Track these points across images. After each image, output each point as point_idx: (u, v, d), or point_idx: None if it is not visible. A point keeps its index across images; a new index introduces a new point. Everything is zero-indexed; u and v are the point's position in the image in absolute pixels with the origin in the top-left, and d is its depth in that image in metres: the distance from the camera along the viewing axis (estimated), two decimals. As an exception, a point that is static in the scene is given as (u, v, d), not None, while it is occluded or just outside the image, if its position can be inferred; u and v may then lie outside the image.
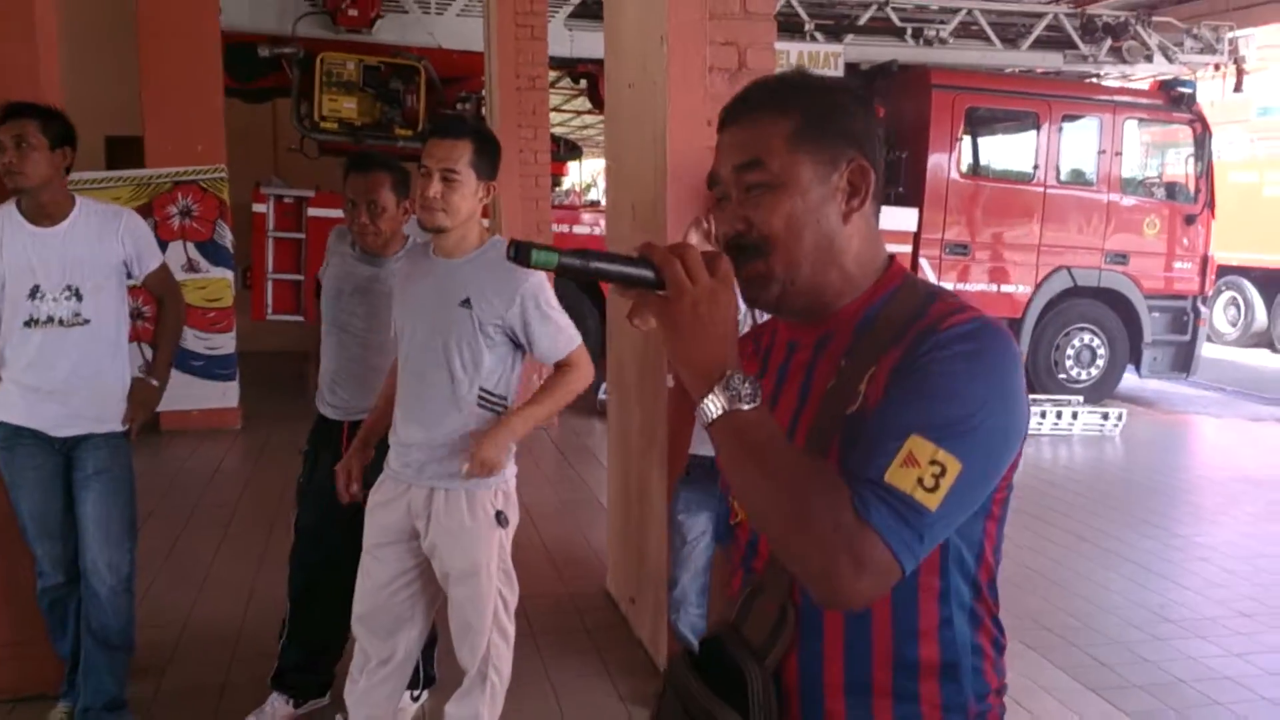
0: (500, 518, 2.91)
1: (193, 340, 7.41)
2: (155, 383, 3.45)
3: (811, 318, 1.33)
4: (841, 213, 1.28)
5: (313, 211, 9.37)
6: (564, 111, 15.99)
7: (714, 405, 1.15)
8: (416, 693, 3.51)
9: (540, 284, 2.88)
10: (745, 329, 1.38)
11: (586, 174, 28.03)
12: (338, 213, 9.15)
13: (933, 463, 1.12)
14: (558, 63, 9.98)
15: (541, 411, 2.99)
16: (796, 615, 1.27)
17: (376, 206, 3.30)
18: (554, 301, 2.93)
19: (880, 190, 1.32)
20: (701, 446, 3.47)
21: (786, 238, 1.26)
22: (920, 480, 1.11)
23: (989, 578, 1.29)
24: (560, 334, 2.93)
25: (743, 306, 1.29)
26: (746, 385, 1.15)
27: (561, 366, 2.98)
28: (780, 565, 1.27)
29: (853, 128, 1.29)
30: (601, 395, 8.35)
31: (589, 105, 13.30)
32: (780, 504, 1.13)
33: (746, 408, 1.15)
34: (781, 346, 1.37)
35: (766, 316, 1.44)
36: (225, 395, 7.75)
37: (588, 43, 10.09)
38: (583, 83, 11.52)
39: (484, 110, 9.92)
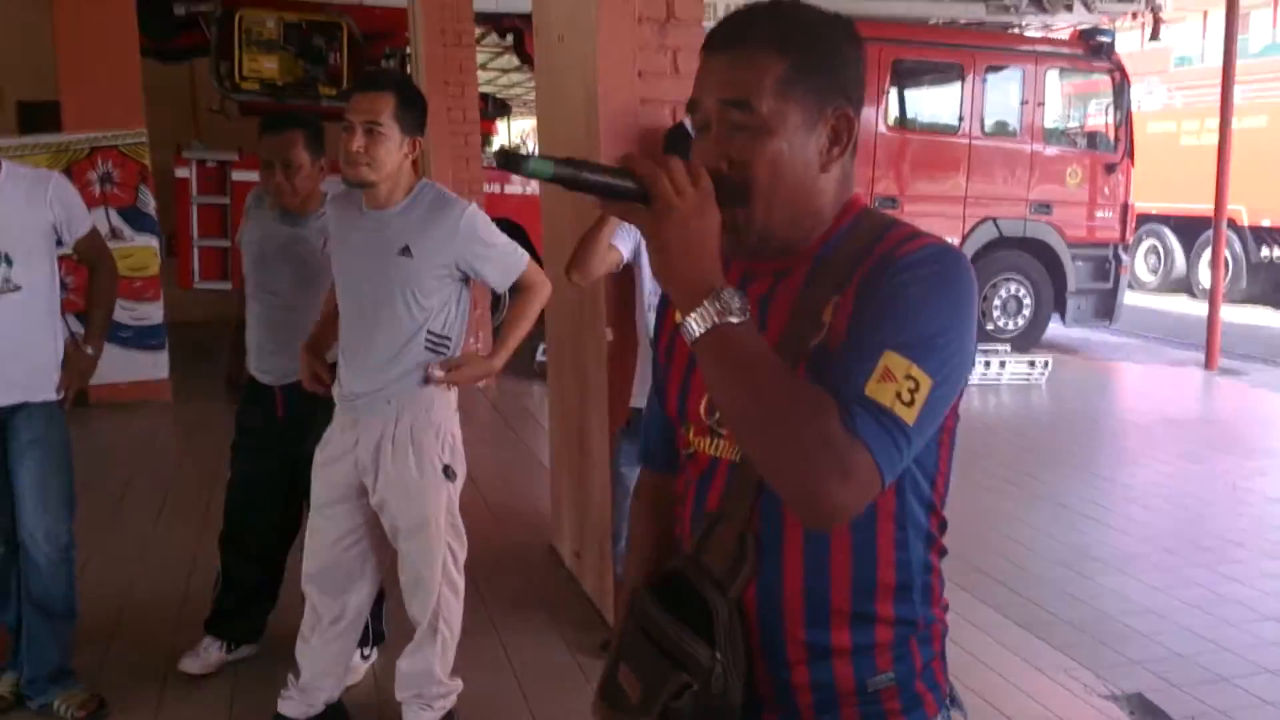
0: (448, 471, 2.95)
1: (120, 311, 7.19)
2: (90, 350, 3.40)
3: (780, 255, 1.32)
4: (821, 161, 1.28)
5: (237, 175, 9.21)
6: (490, 69, 15.83)
7: (703, 319, 1.15)
8: (366, 650, 3.54)
9: (474, 218, 2.89)
10: None
11: (515, 133, 27.79)
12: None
13: (908, 377, 1.15)
14: (484, 18, 9.88)
15: (514, 341, 3.06)
16: (757, 544, 1.28)
17: (292, 165, 3.28)
18: (492, 230, 2.95)
19: (856, 135, 1.31)
20: (641, 398, 3.51)
21: (769, 183, 1.25)
22: (898, 394, 1.14)
23: (940, 499, 1.34)
24: (507, 259, 2.98)
25: None
26: (735, 299, 1.16)
27: (516, 290, 3.02)
28: (740, 494, 1.29)
29: (842, 73, 1.28)
30: (539, 357, 8.37)
31: (516, 62, 13.19)
32: (768, 417, 1.14)
33: (736, 320, 1.15)
34: (734, 275, 1.34)
35: None
36: (155, 366, 7.60)
37: (514, -2, 9.99)
38: (509, 38, 11.41)
39: (409, 68, 9.79)
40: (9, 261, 3.16)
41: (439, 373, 2.88)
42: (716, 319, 1.15)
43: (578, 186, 1.18)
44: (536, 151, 5.49)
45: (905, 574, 1.30)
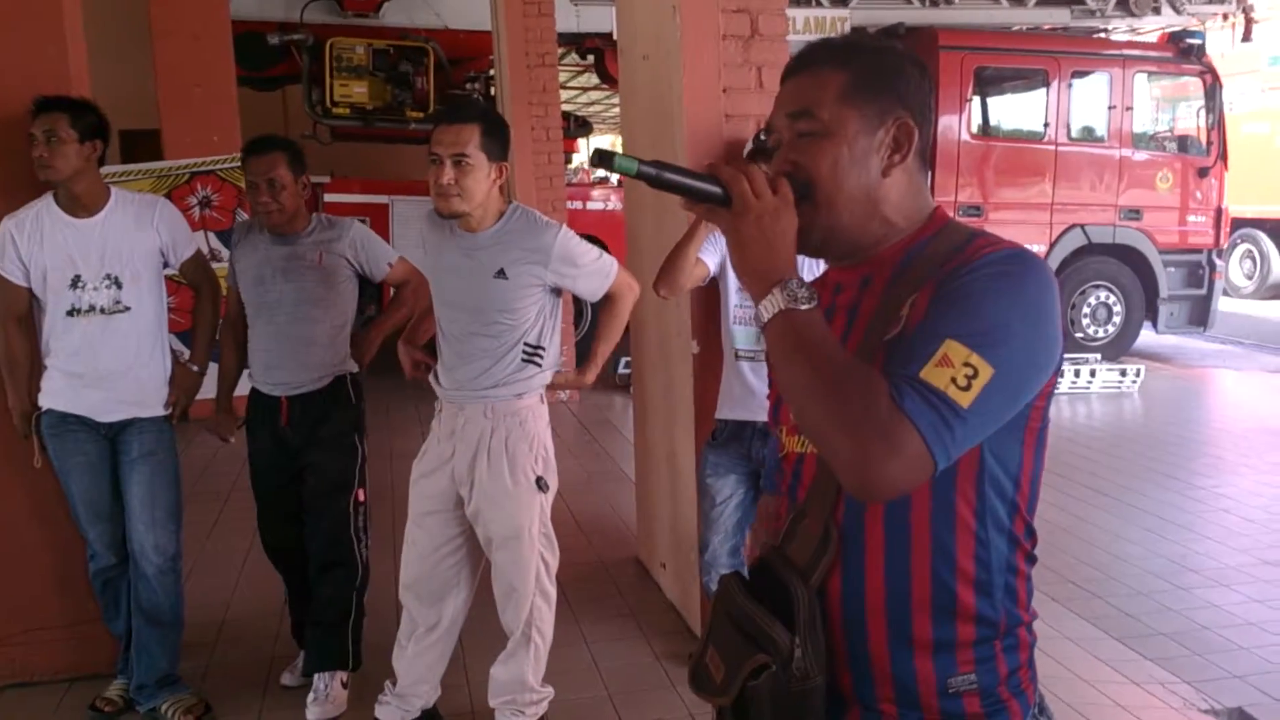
0: (540, 483, 3.02)
1: (220, 330, 7.47)
2: (196, 368, 3.54)
3: (855, 260, 1.41)
4: (882, 166, 1.36)
5: (329, 197, 9.44)
6: (571, 88, 16.00)
7: (772, 305, 1.24)
8: (346, 677, 3.56)
9: (565, 240, 2.97)
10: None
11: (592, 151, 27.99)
12: (354, 198, 9.32)
13: (966, 364, 1.18)
14: (565, 39, 10.00)
15: (606, 352, 3.21)
16: (839, 535, 1.33)
17: (276, 184, 3.36)
18: (581, 248, 3.03)
19: (925, 149, 1.40)
20: (727, 410, 3.55)
21: (830, 182, 1.35)
22: (954, 379, 1.18)
23: (1027, 503, 1.35)
24: (596, 275, 3.07)
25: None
26: (803, 290, 1.25)
27: (605, 299, 3.13)
28: (824, 487, 1.35)
29: (903, 88, 1.37)
30: (622, 369, 8.45)
31: (596, 81, 13.32)
32: (822, 394, 1.19)
33: (803, 308, 1.24)
34: (829, 287, 1.44)
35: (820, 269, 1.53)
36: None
37: (594, 17, 10.12)
38: (590, 58, 11.53)
39: (493, 90, 9.96)
40: (119, 284, 3.31)
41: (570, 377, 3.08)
42: (784, 304, 1.24)
43: (661, 185, 1.29)
44: (613, 176, 5.58)
45: (985, 570, 1.32)
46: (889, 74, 1.37)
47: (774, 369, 1.31)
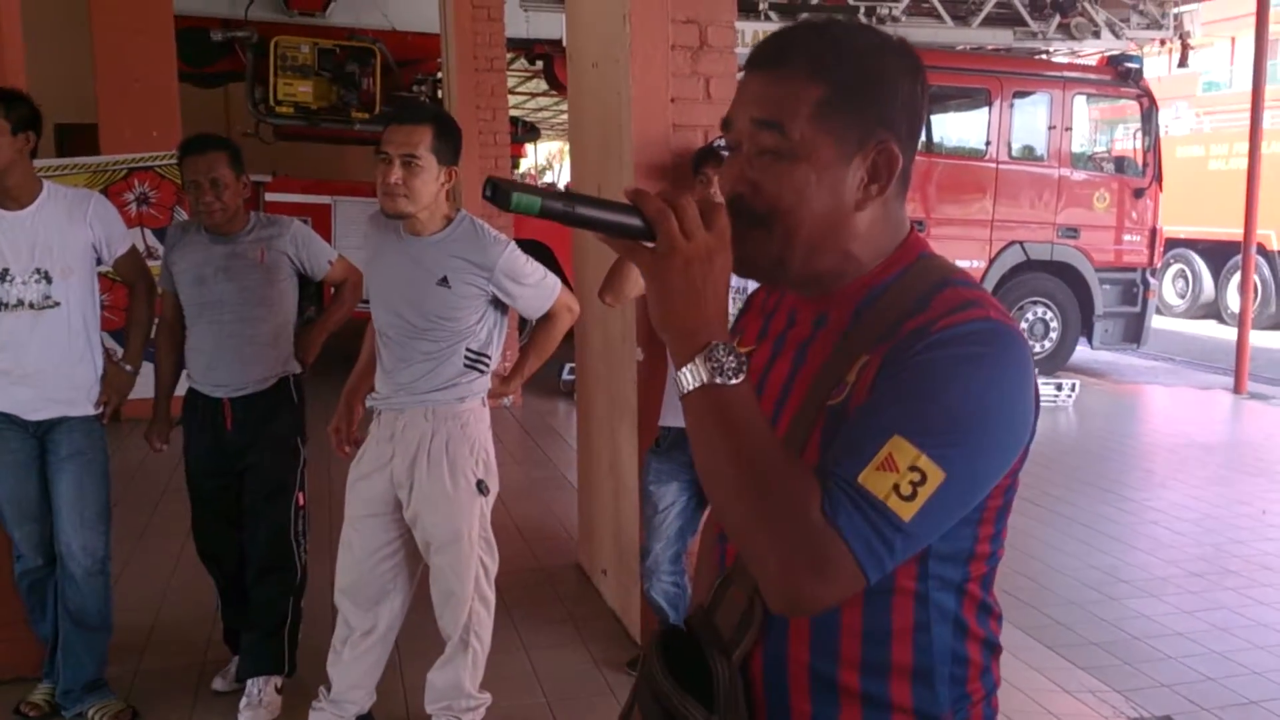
0: (481, 486, 3.00)
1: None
2: (129, 368, 3.47)
3: (809, 292, 1.24)
4: (855, 199, 1.17)
5: (271, 196, 9.33)
6: (519, 94, 15.97)
7: (693, 375, 1.06)
8: (280, 682, 3.50)
9: (511, 256, 2.97)
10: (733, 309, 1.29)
11: (540, 156, 27.96)
12: (296, 198, 9.21)
13: (913, 468, 1.03)
14: (514, 44, 9.99)
15: (534, 366, 3.25)
16: (764, 609, 1.17)
17: (219, 184, 3.32)
18: (526, 266, 3.03)
19: (908, 169, 1.20)
20: (671, 418, 3.55)
21: (791, 214, 1.15)
22: (896, 487, 1.02)
23: (980, 582, 1.21)
24: (540, 292, 3.08)
25: (734, 281, 1.20)
26: (731, 358, 1.06)
27: (545, 316, 3.14)
28: None
29: (891, 104, 1.17)
30: (566, 375, 8.43)
31: (544, 87, 13.31)
32: (743, 492, 1.05)
33: (729, 382, 1.05)
34: (785, 313, 1.28)
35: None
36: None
37: (544, 24, 10.11)
38: (539, 64, 11.52)
39: (440, 93, 9.91)
40: (49, 279, 3.24)
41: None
42: (706, 377, 1.05)
43: (572, 222, 1.08)
44: (569, 173, 5.53)
45: (925, 659, 1.17)
46: (874, 86, 1.16)
47: (692, 446, 1.09)
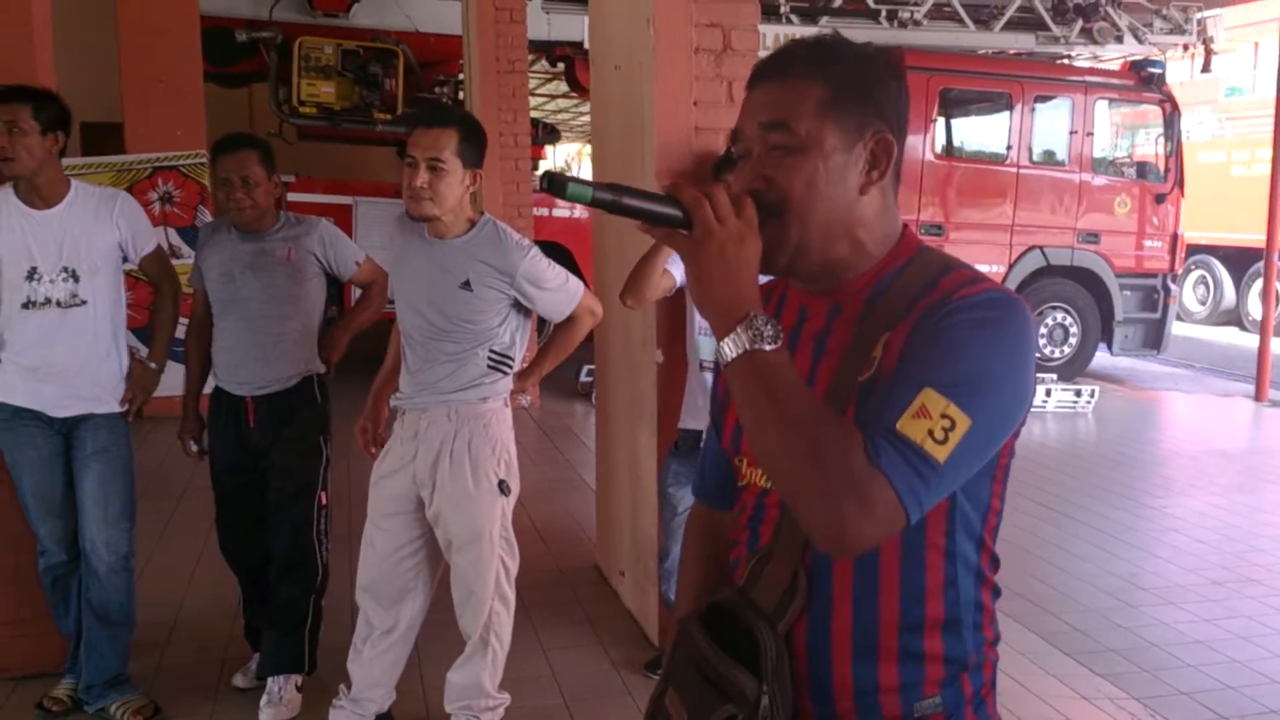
0: (503, 486, 3.02)
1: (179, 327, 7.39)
2: (154, 366, 3.50)
3: (821, 286, 1.33)
4: (860, 183, 1.29)
5: (293, 197, 9.36)
6: (540, 95, 16.01)
7: (735, 344, 1.17)
8: (300, 680, 3.53)
9: (533, 261, 2.99)
10: None
11: (560, 158, 28.01)
12: (318, 198, 9.25)
13: (943, 416, 1.13)
14: (535, 46, 10.03)
15: (549, 366, 3.28)
16: (808, 580, 1.28)
17: (251, 181, 3.36)
18: (548, 271, 3.05)
19: (900, 162, 1.32)
20: (690, 420, 3.56)
21: (804, 201, 1.26)
22: (930, 432, 1.13)
23: (992, 537, 1.33)
24: (561, 296, 3.09)
25: None
26: (769, 326, 1.17)
27: (565, 320, 3.17)
28: (792, 531, 1.29)
29: (882, 100, 1.30)
30: (584, 377, 8.45)
31: (565, 89, 13.34)
32: (792, 444, 1.14)
33: (768, 348, 1.16)
34: (793, 310, 1.38)
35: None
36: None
37: (566, 26, 10.14)
38: (560, 66, 11.54)
39: (462, 94, 9.95)
40: (75, 277, 3.27)
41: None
42: (748, 344, 1.16)
43: (618, 211, 1.20)
44: (590, 176, 5.57)
45: (954, 611, 1.30)
46: (868, 84, 1.29)
47: (738, 411, 1.21)
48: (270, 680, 3.46)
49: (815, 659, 1.29)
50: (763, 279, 1.27)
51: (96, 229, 3.32)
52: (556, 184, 1.18)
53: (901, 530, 1.15)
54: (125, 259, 3.45)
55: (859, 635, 1.28)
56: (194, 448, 3.60)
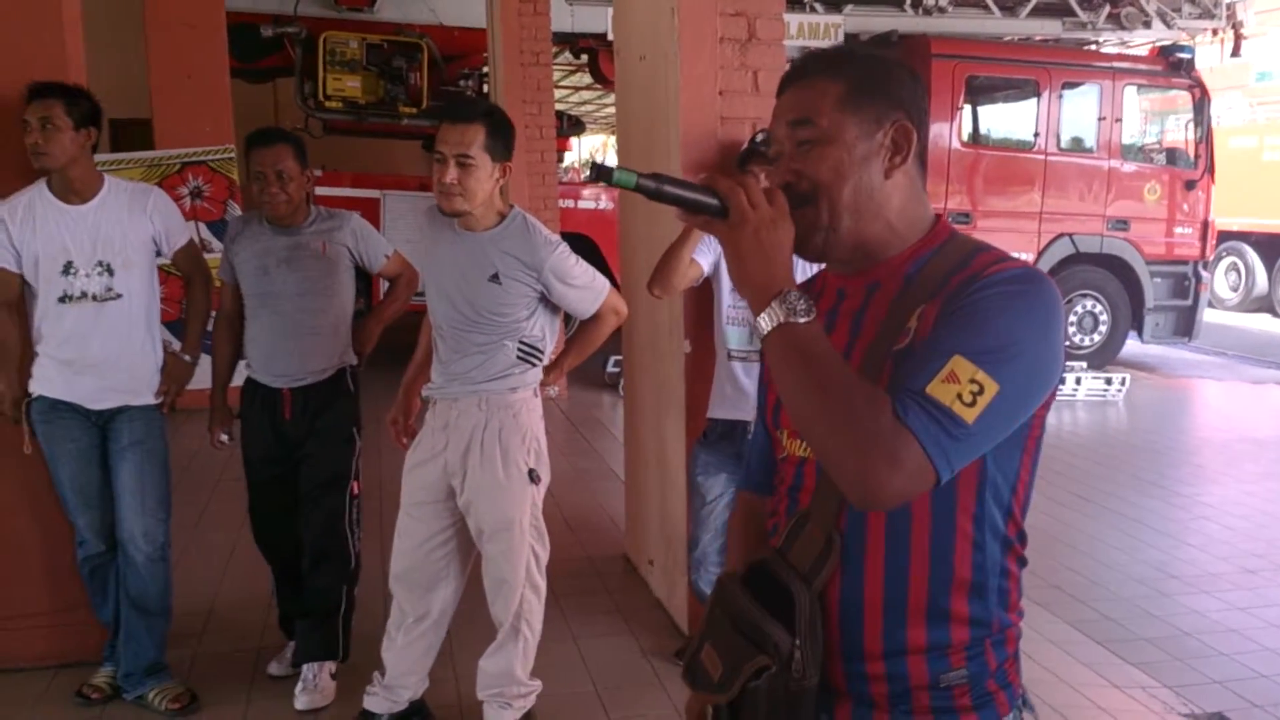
0: (533, 475, 3.04)
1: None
2: (188, 358, 3.54)
3: (858, 267, 1.42)
4: (884, 169, 1.39)
5: (320, 191, 9.39)
6: (564, 87, 16.00)
7: (771, 318, 1.26)
8: (334, 667, 3.57)
9: (561, 257, 3.00)
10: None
11: (585, 150, 28.01)
12: (345, 192, 9.29)
13: (972, 381, 1.20)
14: (559, 38, 10.00)
15: (574, 361, 3.31)
16: (841, 542, 1.36)
17: (285, 175, 3.39)
18: (575, 268, 3.06)
19: (923, 152, 1.42)
20: (719, 409, 3.57)
21: (832, 186, 1.37)
22: (959, 395, 1.20)
23: (1021, 507, 1.39)
24: (588, 293, 3.10)
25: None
26: (801, 302, 1.26)
27: (590, 317, 3.18)
28: (828, 495, 1.36)
29: (899, 93, 1.40)
30: (611, 368, 8.46)
31: (589, 80, 13.33)
32: (825, 406, 1.22)
33: (801, 321, 1.25)
34: (831, 293, 1.46)
35: (813, 270, 1.54)
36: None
37: (589, 17, 10.12)
38: (584, 58, 11.54)
39: (486, 87, 9.96)
40: (110, 271, 3.32)
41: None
42: (783, 318, 1.25)
43: (659, 197, 1.31)
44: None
45: (981, 574, 1.35)
46: (883, 79, 1.40)
47: (775, 381, 1.31)
48: (305, 668, 3.50)
49: (848, 617, 1.36)
50: (804, 274, 1.32)
51: (131, 223, 3.36)
52: (603, 172, 1.29)
53: (933, 489, 1.22)
54: (158, 253, 3.49)
55: (890, 594, 1.34)
56: (224, 438, 3.64)
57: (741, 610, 1.39)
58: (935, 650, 1.35)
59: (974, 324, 1.24)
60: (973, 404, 1.20)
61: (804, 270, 1.87)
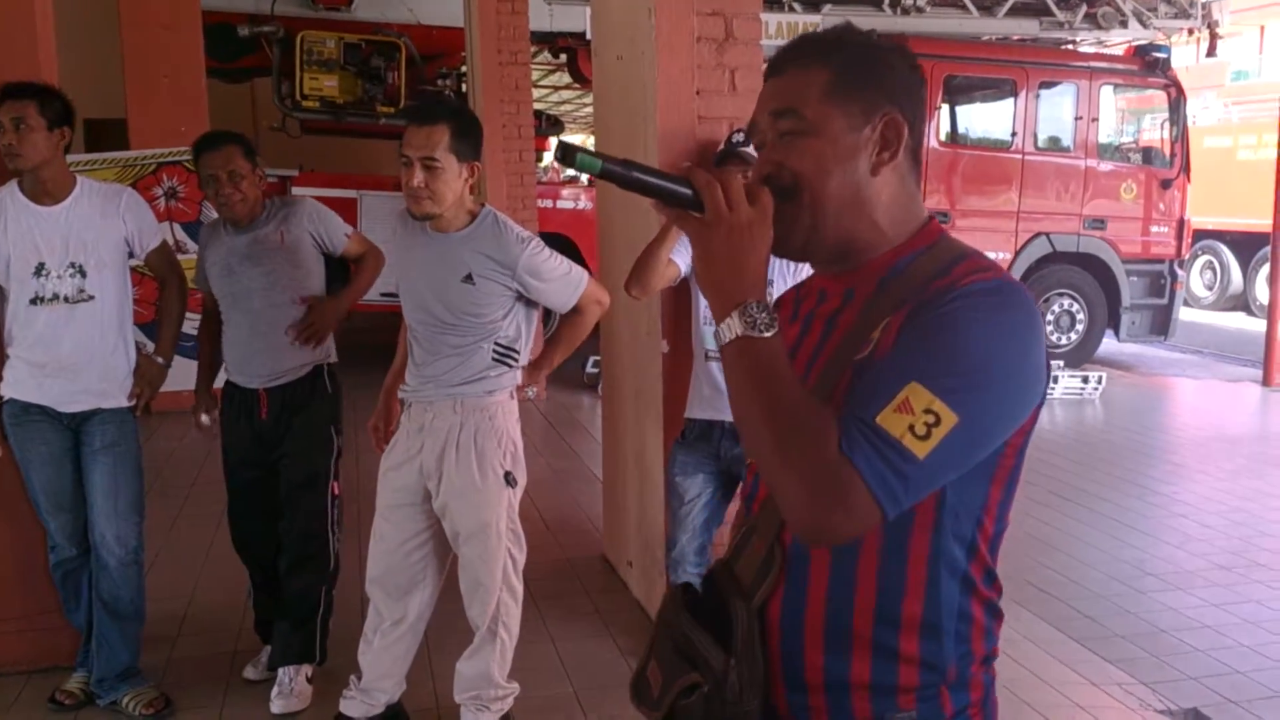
0: (509, 478, 3.03)
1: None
2: (161, 360, 3.51)
3: (841, 267, 1.33)
4: (871, 164, 1.28)
5: (297, 190, 9.37)
6: (543, 87, 15.98)
7: (729, 328, 1.18)
8: (311, 671, 3.55)
9: (534, 254, 2.98)
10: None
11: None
12: (322, 192, 9.23)
13: (927, 411, 1.10)
14: (538, 37, 10.00)
15: (559, 359, 3.27)
16: (783, 557, 1.27)
17: (237, 174, 3.38)
18: (549, 262, 3.03)
19: (916, 148, 1.32)
20: (697, 410, 3.56)
21: (815, 180, 1.27)
22: (911, 427, 1.10)
23: (988, 544, 1.28)
24: (565, 285, 3.08)
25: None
26: (764, 315, 1.17)
27: (572, 310, 3.15)
28: (772, 505, 1.27)
29: (890, 83, 1.29)
30: (590, 368, 8.45)
31: (568, 80, 13.32)
32: (771, 431, 1.14)
33: (761, 335, 1.17)
34: (814, 294, 1.39)
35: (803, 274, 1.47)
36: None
37: (568, 17, 10.11)
38: (562, 57, 11.53)
39: (464, 87, 9.94)
40: (83, 272, 3.29)
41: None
42: (740, 330, 1.17)
43: (629, 185, 1.22)
44: (583, 176, 5.58)
45: (934, 614, 1.25)
46: (875, 68, 1.29)
47: (729, 393, 1.22)
48: (281, 671, 3.48)
49: (788, 639, 1.28)
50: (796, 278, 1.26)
51: (103, 225, 3.34)
52: (568, 152, 1.21)
53: (880, 524, 1.13)
54: (131, 254, 3.46)
55: (831, 619, 1.25)
56: (205, 419, 3.63)
57: (679, 625, 1.32)
58: (880, 689, 1.25)
59: (936, 343, 1.14)
60: (926, 436, 1.10)
61: (799, 271, 1.85)
